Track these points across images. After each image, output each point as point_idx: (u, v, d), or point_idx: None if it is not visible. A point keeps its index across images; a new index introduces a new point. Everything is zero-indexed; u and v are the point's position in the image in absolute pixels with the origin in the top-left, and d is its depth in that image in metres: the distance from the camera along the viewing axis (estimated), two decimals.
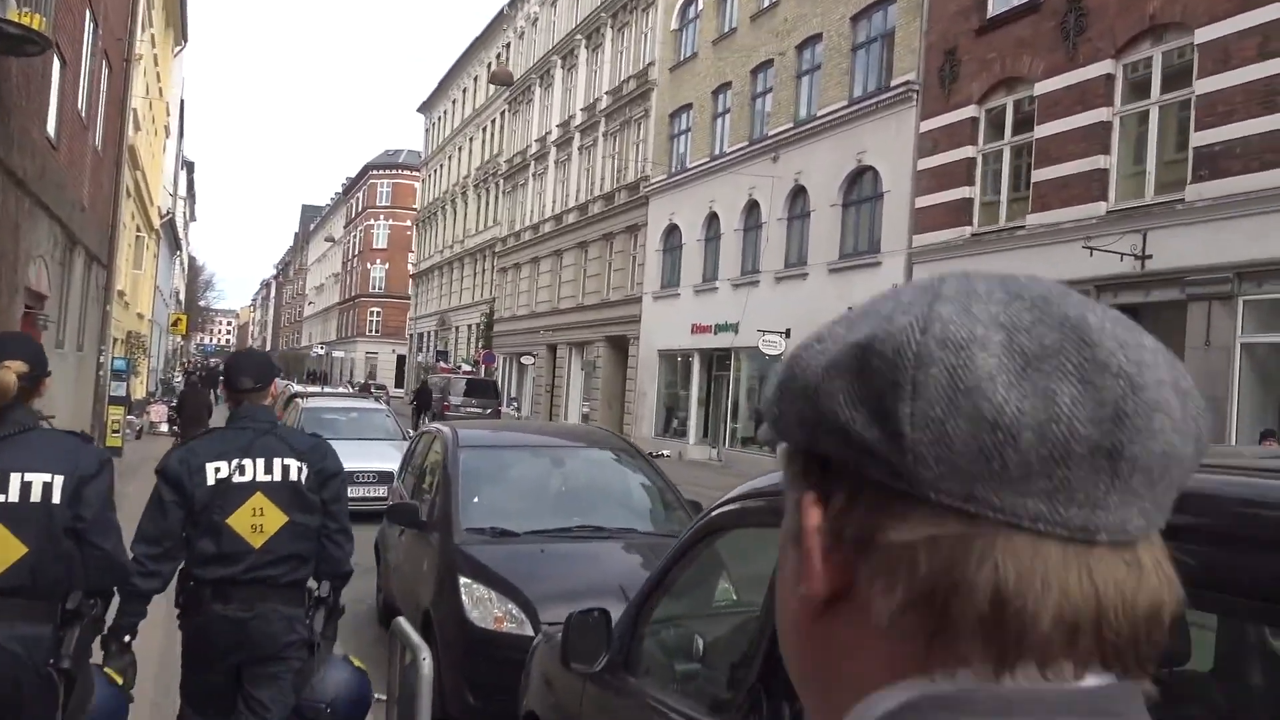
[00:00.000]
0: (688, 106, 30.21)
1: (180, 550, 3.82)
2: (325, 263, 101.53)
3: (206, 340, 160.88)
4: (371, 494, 13.54)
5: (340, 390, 22.14)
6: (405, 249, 79.10)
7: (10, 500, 3.12)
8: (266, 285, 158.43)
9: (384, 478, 13.63)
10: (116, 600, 3.67)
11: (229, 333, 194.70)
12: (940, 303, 0.56)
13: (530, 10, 46.00)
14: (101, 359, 19.43)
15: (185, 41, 34.93)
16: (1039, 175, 17.15)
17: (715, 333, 27.12)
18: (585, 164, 38.27)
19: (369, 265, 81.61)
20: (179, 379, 45.16)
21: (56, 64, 11.73)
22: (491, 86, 51.46)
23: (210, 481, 3.78)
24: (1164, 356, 0.56)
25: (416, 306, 66.76)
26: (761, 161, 25.41)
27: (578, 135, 38.86)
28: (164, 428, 26.63)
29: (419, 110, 68.52)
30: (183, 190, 60.29)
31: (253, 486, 3.80)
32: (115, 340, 23.84)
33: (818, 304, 22.10)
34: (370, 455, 14.14)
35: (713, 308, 27.30)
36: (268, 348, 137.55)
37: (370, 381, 55.75)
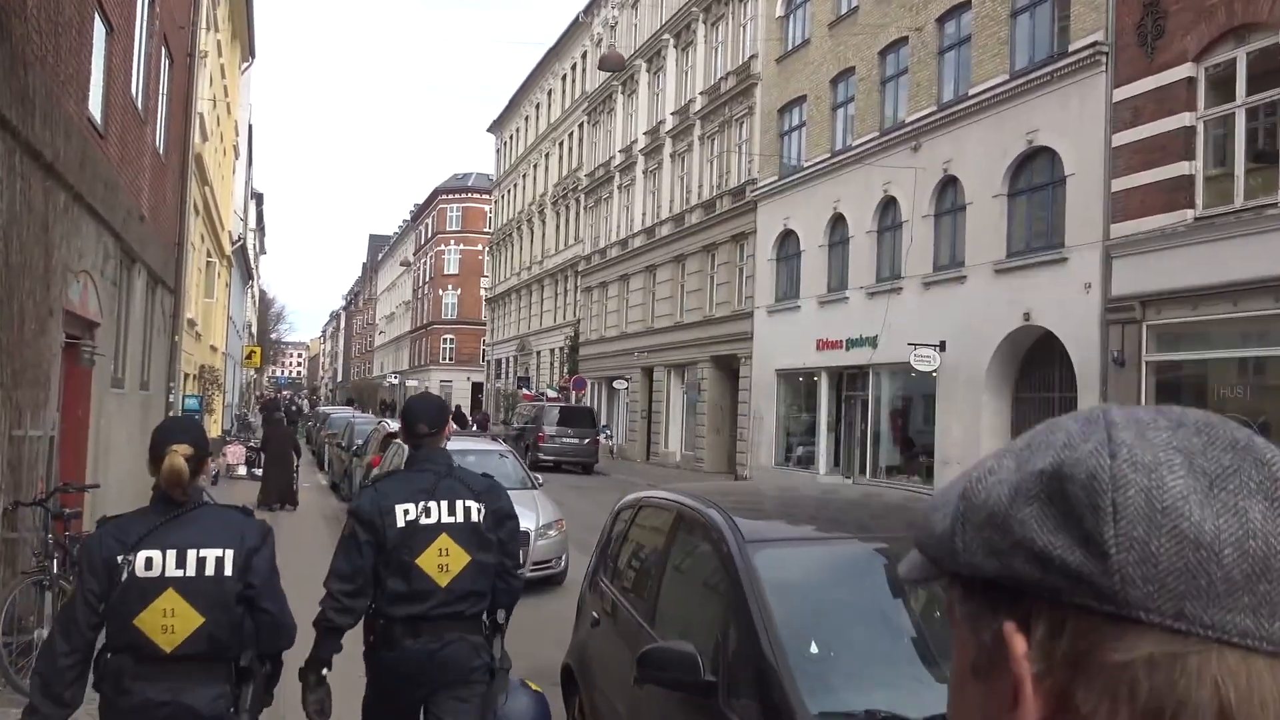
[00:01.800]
0: (800, 99, 27.26)
1: (370, 588, 3.90)
2: (395, 291, 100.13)
3: (279, 373, 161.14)
4: None
5: None
6: (477, 273, 77.12)
7: (189, 575, 3.37)
8: (336, 316, 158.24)
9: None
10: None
11: (300, 365, 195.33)
12: (1117, 430, 0.61)
13: (609, 15, 43.50)
14: (171, 398, 16.99)
15: (252, 58, 32.93)
16: None
17: (847, 348, 24.05)
18: (679, 171, 35.48)
19: (440, 291, 79.74)
20: (254, 415, 43.06)
21: (99, 23, 9.17)
22: (565, 97, 49.10)
23: (400, 523, 3.88)
24: None
25: (493, 332, 64.48)
26: (898, 153, 22.36)
27: (669, 141, 36.11)
28: (242, 470, 24.23)
29: (489, 130, 66.45)
30: (252, 221, 58.81)
31: (439, 528, 3.91)
32: (186, 376, 21.48)
33: (981, 310, 19.03)
34: None
35: (842, 320, 24.23)
36: (339, 379, 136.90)
37: (478, 414, 53.26)
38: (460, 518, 3.97)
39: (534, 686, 4.44)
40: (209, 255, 25.46)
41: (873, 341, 22.89)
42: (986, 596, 0.64)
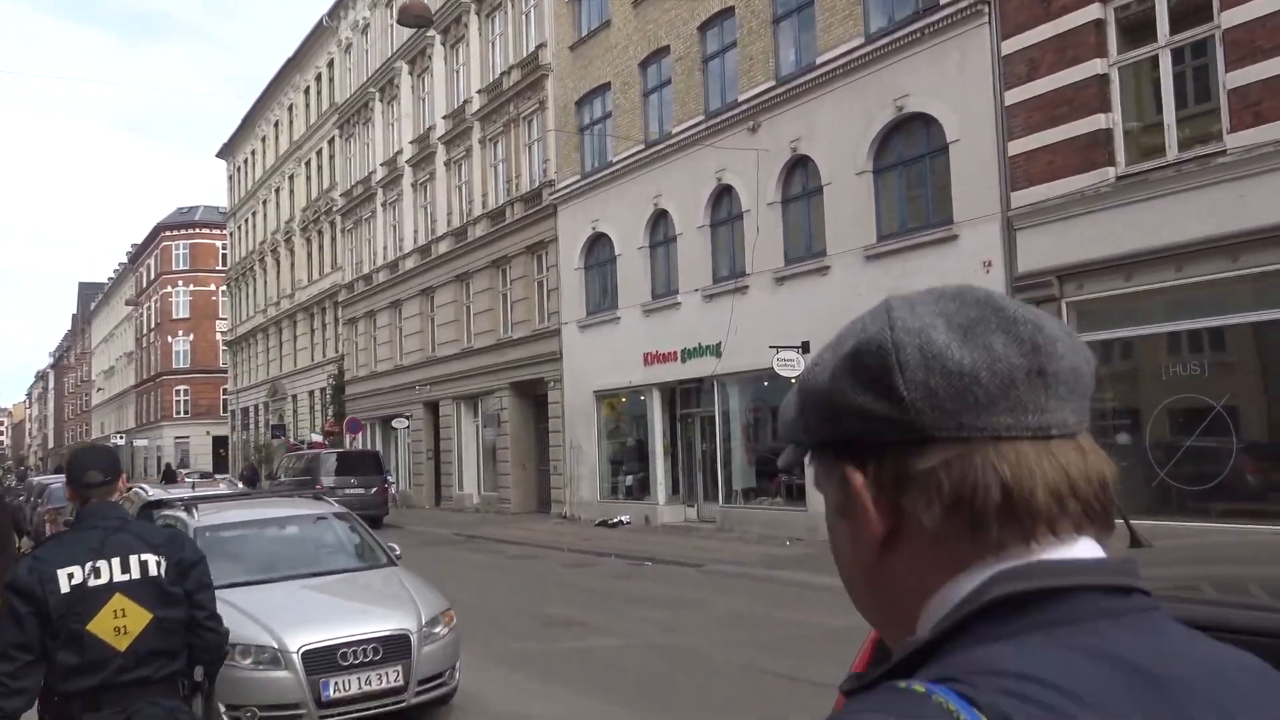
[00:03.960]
0: (603, 88, 24.38)
1: (39, 664, 3.52)
2: (114, 342, 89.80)
3: None
4: (378, 684, 6.97)
5: (215, 485, 15.06)
6: (212, 316, 69.86)
7: None
8: (43, 376, 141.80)
9: (393, 648, 7.10)
10: None
11: (2, 433, 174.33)
12: (894, 310, 0.81)
13: (357, 17, 39.24)
14: None
15: None
16: (1235, 79, 12.19)
17: (683, 360, 21.21)
18: (456, 181, 31.78)
19: (169, 338, 71.55)
20: None
21: None
22: (311, 110, 44.25)
23: (65, 588, 3.55)
24: (1047, 314, 0.82)
25: (236, 378, 57.81)
26: (732, 135, 19.82)
27: (441, 149, 32.36)
28: None
29: (219, 155, 59.89)
30: None
31: (111, 588, 3.61)
32: None
33: (851, 302, 16.19)
34: (356, 608, 7.57)
35: (674, 329, 21.40)
36: (50, 445, 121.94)
37: (244, 467, 46.48)
38: (136, 573, 3.65)
39: None
40: None
41: (715, 350, 20.15)
42: (832, 455, 0.85)
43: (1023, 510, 0.77)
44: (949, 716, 0.68)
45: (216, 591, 7.53)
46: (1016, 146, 14.69)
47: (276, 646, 6.83)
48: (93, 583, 3.59)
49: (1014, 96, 14.74)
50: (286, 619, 7.12)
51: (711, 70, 21.11)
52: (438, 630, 7.45)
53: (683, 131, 21.30)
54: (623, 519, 22.65)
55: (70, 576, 3.57)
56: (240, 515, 8.85)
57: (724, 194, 20.49)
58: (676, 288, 21.62)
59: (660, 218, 22.28)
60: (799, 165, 18.72)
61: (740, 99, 19.85)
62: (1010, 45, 14.78)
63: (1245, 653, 0.80)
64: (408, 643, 7.11)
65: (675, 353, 21.41)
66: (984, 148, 15.14)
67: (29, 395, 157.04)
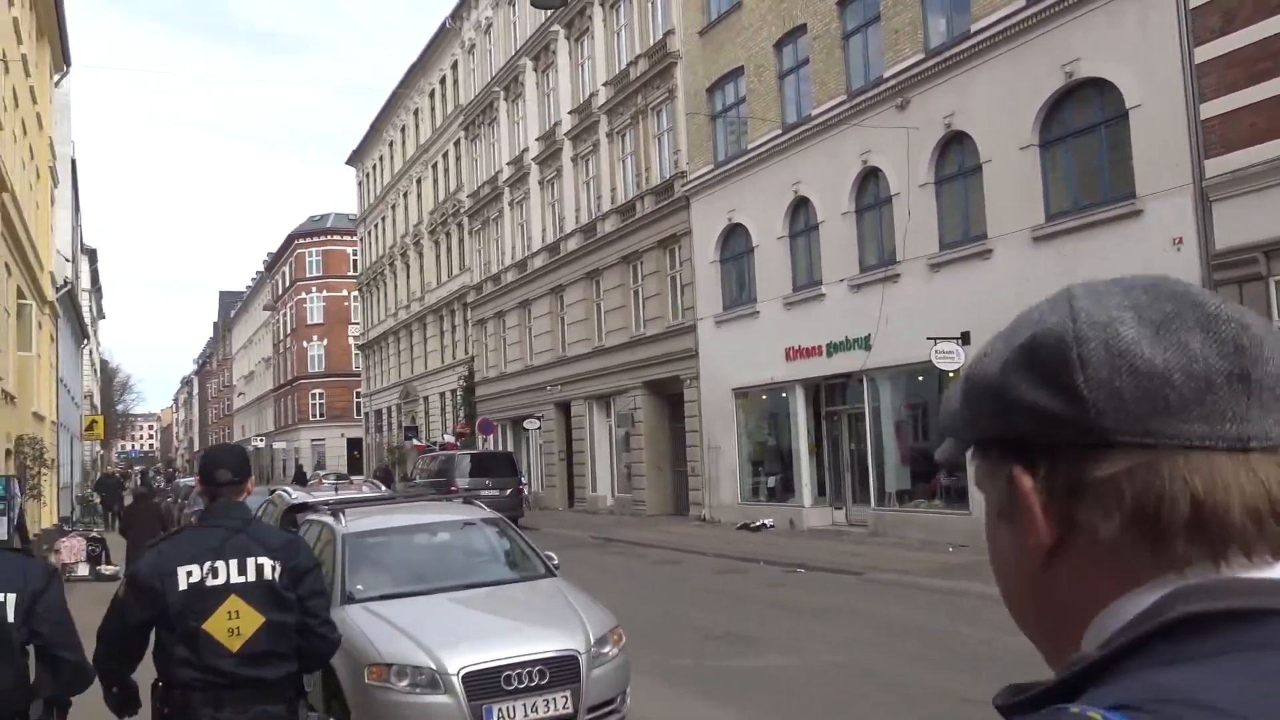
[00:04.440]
0: (735, 73, 23.46)
1: (130, 655, 3.73)
2: (253, 348, 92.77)
3: (129, 447, 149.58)
4: (545, 711, 6.25)
5: (352, 487, 14.61)
6: (345, 321, 71.19)
7: None
8: (188, 382, 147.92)
9: (561, 671, 6.37)
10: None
11: (152, 437, 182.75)
12: (1077, 300, 0.73)
13: (480, 17, 39.17)
14: None
15: (67, 67, 27.35)
16: None
17: (828, 354, 20.15)
18: (584, 177, 31.28)
19: (304, 343, 73.28)
20: (95, 496, 36.60)
21: None
22: (436, 114, 44.48)
23: (183, 586, 3.65)
24: (1255, 313, 0.73)
25: (369, 381, 58.77)
26: (879, 114, 18.67)
27: (568, 144, 31.90)
28: (83, 569, 18.75)
29: (348, 163, 61.01)
30: (86, 280, 52.09)
31: (227, 589, 3.68)
32: None
33: (1016, 289, 15.09)
34: (518, 625, 6.88)
35: (818, 322, 20.34)
36: (195, 448, 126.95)
37: (378, 467, 47.11)
38: (252, 576, 3.72)
39: None
40: (20, 295, 19.92)
41: (864, 343, 19.04)
42: (998, 453, 0.78)
43: (1214, 528, 0.69)
44: None
45: (366, 604, 6.99)
46: (1210, 109, 13.25)
47: (435, 668, 6.16)
48: (210, 582, 3.66)
49: (1206, 53, 13.29)
50: (444, 636, 6.46)
51: (852, 47, 19.99)
52: (607, 650, 6.69)
53: (823, 113, 20.24)
54: (766, 522, 21.71)
55: (189, 574, 3.65)
56: (389, 521, 8.25)
57: (870, 177, 19.36)
58: (820, 278, 20.57)
59: (800, 205, 21.25)
60: (953, 142, 17.48)
61: (886, 75, 18.70)
62: None
63: None
64: (576, 665, 6.37)
65: (820, 347, 20.37)
66: (1170, 112, 13.72)
67: (175, 401, 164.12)
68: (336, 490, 12.41)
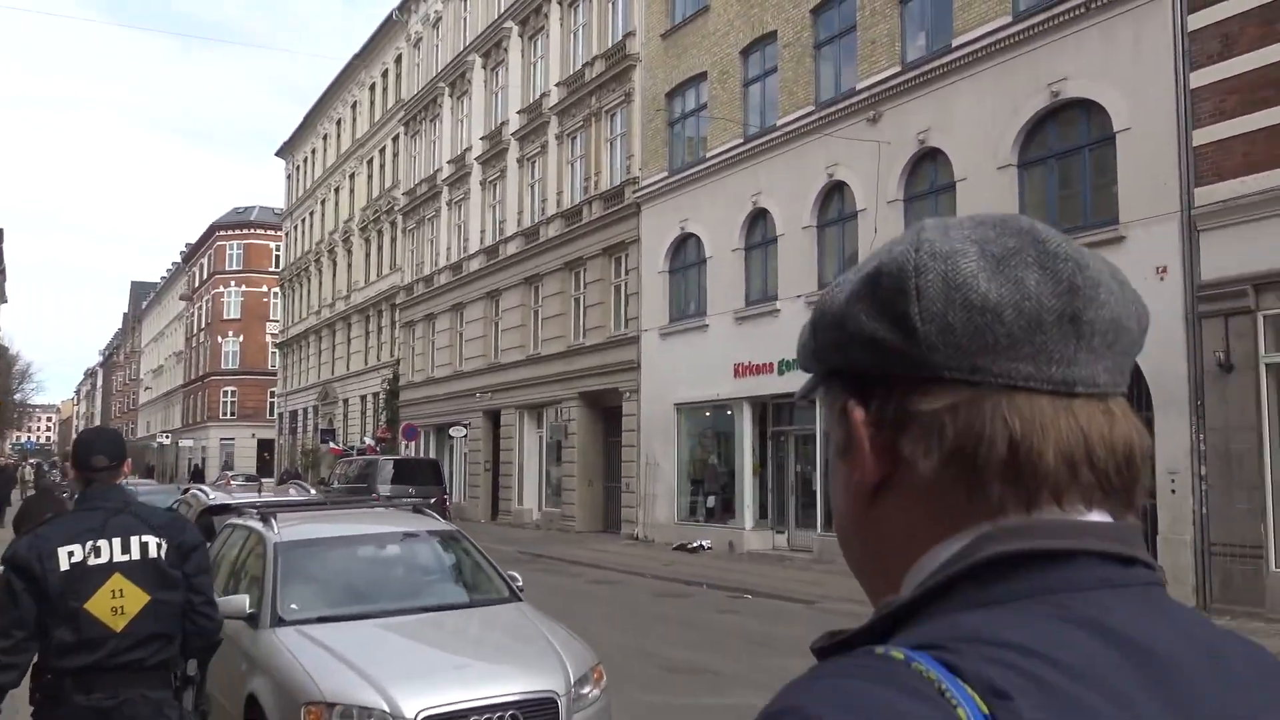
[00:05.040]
0: (697, 78, 22.68)
1: (34, 641, 3.54)
2: (164, 341, 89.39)
3: (25, 438, 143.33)
4: None
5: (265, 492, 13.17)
6: (263, 318, 68.82)
7: None
8: (92, 374, 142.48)
9: (537, 716, 5.33)
10: None
11: (50, 429, 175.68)
12: (924, 232, 0.72)
13: (429, 10, 37.93)
14: None
15: None
16: None
17: (780, 372, 19.37)
18: (529, 179, 30.21)
19: (219, 339, 70.63)
20: None
21: None
22: (375, 107, 43.04)
23: (64, 566, 3.53)
24: (1101, 257, 0.73)
25: (286, 380, 56.67)
26: (848, 126, 18.01)
27: (514, 145, 30.82)
28: None
29: (278, 154, 59.00)
30: None
31: (110, 568, 3.58)
32: None
33: None
34: (476, 658, 5.84)
35: (771, 339, 19.55)
36: None
37: (285, 469, 45.02)
38: (136, 554, 3.62)
39: None
40: None
41: None
42: (840, 386, 0.76)
43: (1028, 471, 0.69)
44: (930, 685, 0.61)
45: (303, 626, 5.88)
46: (1203, 135, 12.77)
47: (388, 710, 5.07)
48: (92, 561, 3.57)
49: (1202, 78, 12.82)
50: (397, 671, 5.38)
51: (824, 56, 19.35)
52: (587, 692, 5.66)
53: (789, 123, 19.54)
54: (703, 543, 20.81)
55: (70, 555, 3.55)
56: (327, 529, 7.13)
57: (835, 191, 18.69)
58: (775, 293, 19.82)
59: (759, 217, 20.51)
60: (926, 159, 16.89)
61: (859, 87, 18.06)
62: (1199, 19, 12.87)
63: (1258, 645, 0.72)
64: (555, 709, 5.33)
65: (771, 364, 19.60)
66: (1160, 137, 13.22)
67: (78, 393, 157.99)
68: (261, 493, 11.15)
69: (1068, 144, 14.77)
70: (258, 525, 6.97)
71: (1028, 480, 0.68)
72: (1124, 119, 13.71)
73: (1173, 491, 12.62)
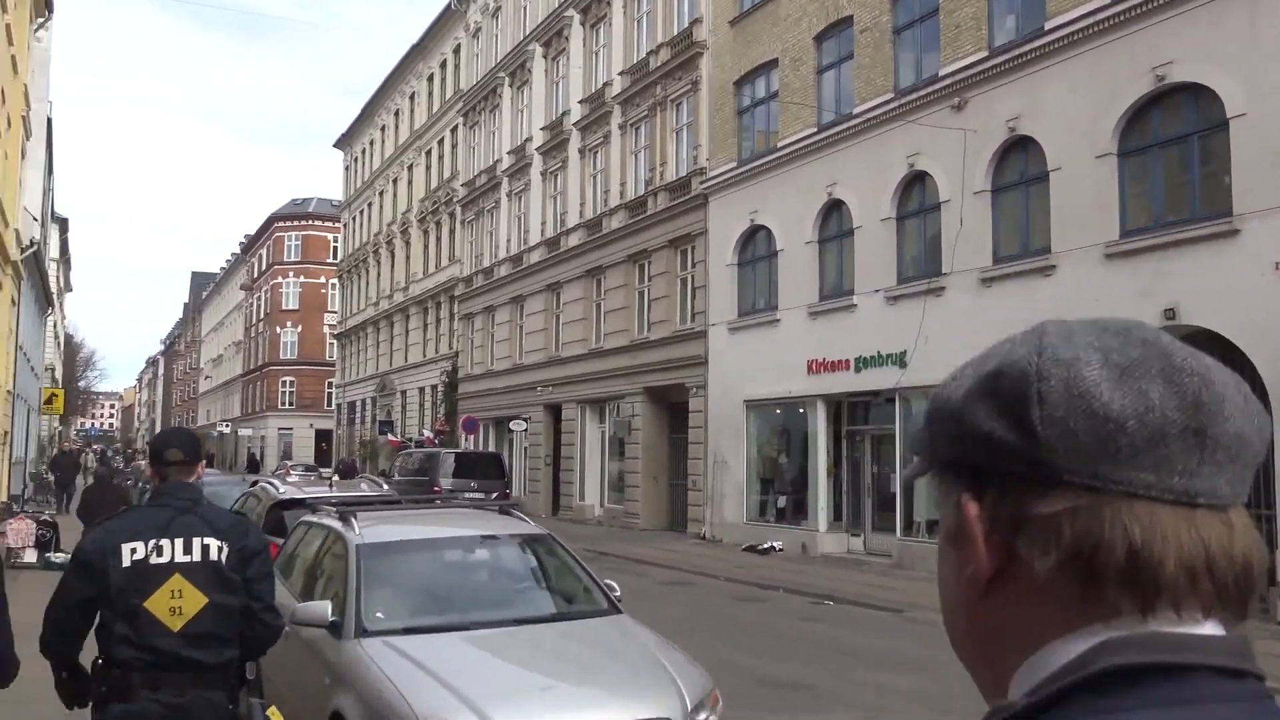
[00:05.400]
0: (768, 65, 22.05)
1: (72, 632, 3.65)
2: (223, 331, 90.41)
3: (88, 424, 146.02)
4: None
5: (322, 482, 12.62)
6: (321, 309, 69.27)
7: None
8: (153, 363, 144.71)
9: None
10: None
11: (113, 416, 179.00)
12: (1046, 335, 0.73)
13: (488, 0, 37.59)
14: None
15: (50, 13, 25.53)
16: None
17: (856, 369, 18.73)
18: (591, 170, 29.76)
19: (278, 329, 71.22)
20: (50, 473, 34.53)
21: None
22: (434, 98, 42.85)
23: (126, 563, 3.59)
24: (1224, 368, 0.73)
25: (344, 372, 56.85)
26: (931, 114, 17.31)
27: (576, 135, 30.39)
28: (30, 555, 16.96)
29: (336, 145, 59.17)
30: (54, 250, 49.84)
31: (171, 568, 3.62)
32: None
33: (1085, 309, 13.53)
34: (591, 679, 5.35)
35: (847, 335, 18.92)
36: (156, 429, 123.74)
37: (342, 460, 44.95)
38: (197, 556, 3.66)
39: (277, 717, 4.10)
40: None
41: (899, 359, 17.63)
42: (953, 478, 0.77)
43: (1147, 579, 0.69)
44: None
45: (388, 638, 5.42)
46: None
47: None
48: (154, 560, 3.59)
49: None
50: (493, 690, 4.91)
51: (904, 42, 18.63)
52: (703, 718, 5.15)
53: (867, 111, 18.85)
54: (774, 545, 20.23)
55: (133, 551, 3.58)
56: (411, 531, 6.68)
57: (916, 181, 17.99)
58: (852, 287, 19.15)
59: (834, 209, 19.85)
60: (1016, 148, 16.13)
61: (942, 73, 17.34)
62: None
63: None
64: None
65: (847, 361, 18.95)
66: (1277, 123, 12.40)
67: (139, 381, 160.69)
68: (332, 487, 10.73)
69: (1173, 131, 13.95)
70: (336, 524, 6.56)
71: (1146, 587, 0.69)
72: (1238, 104, 12.89)
73: None
